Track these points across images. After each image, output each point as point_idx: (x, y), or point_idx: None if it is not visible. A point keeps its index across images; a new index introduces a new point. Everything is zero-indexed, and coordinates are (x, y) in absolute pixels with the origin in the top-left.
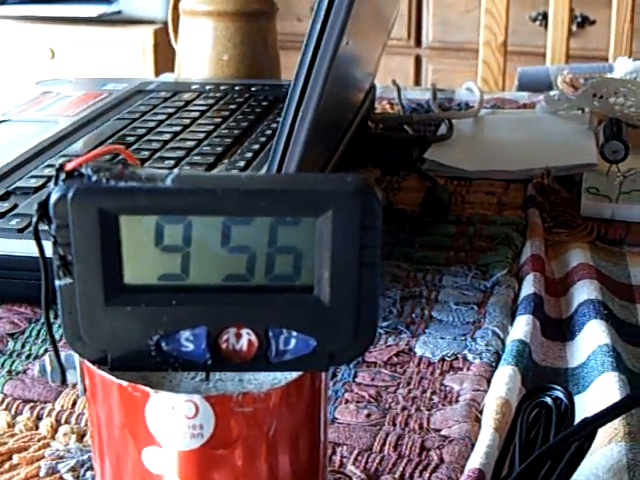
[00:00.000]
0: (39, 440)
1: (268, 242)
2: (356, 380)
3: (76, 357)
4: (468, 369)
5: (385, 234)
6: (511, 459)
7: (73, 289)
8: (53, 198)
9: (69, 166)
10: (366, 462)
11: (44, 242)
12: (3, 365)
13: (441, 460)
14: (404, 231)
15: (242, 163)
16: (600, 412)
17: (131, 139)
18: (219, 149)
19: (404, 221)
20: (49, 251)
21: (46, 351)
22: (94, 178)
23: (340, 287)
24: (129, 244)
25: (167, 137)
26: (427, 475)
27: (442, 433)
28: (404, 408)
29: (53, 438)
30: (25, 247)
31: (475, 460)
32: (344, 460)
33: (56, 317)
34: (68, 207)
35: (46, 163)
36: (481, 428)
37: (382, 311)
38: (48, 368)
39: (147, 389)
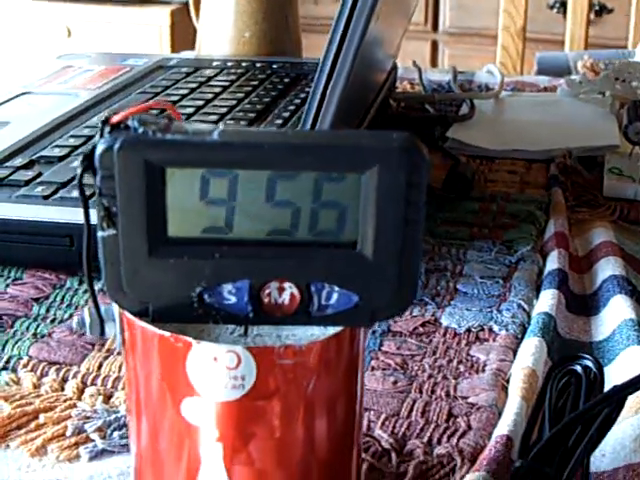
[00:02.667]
0: (65, 401)
1: (313, 197)
2: (382, 349)
3: (116, 309)
4: (494, 340)
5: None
6: (540, 426)
7: (116, 241)
8: (100, 149)
9: (115, 119)
10: (393, 427)
11: (73, 209)
12: (28, 328)
13: (469, 427)
14: (428, 207)
15: None
16: (631, 379)
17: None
18: (242, 123)
19: (428, 197)
20: (76, 216)
21: (71, 316)
22: (140, 130)
23: (383, 243)
24: (174, 197)
25: (190, 111)
26: (455, 441)
27: (469, 401)
28: (430, 376)
29: (79, 399)
30: (50, 213)
31: (503, 427)
32: (371, 424)
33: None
34: (114, 158)
35: (70, 133)
36: (508, 397)
37: None
38: (87, 320)
39: (190, 339)
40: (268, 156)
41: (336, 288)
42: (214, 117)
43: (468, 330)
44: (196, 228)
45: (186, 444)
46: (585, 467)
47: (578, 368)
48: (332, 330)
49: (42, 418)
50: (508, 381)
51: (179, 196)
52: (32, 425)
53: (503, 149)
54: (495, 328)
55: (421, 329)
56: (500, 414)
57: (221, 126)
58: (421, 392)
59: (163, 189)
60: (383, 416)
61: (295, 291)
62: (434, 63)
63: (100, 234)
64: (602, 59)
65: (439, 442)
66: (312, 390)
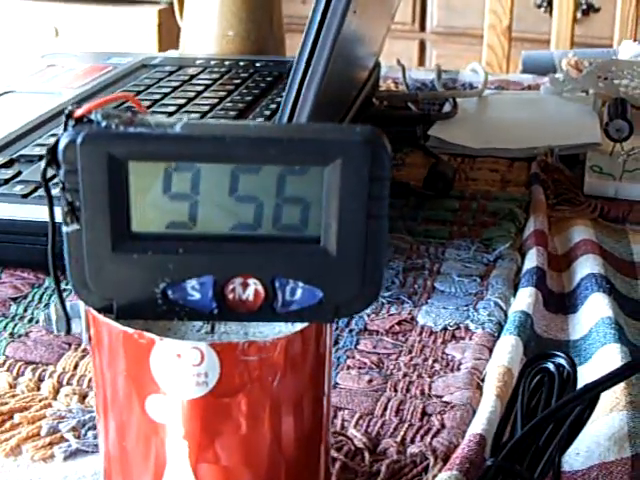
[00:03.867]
0: (40, 400)
1: (276, 192)
2: (358, 347)
3: (81, 306)
4: (470, 338)
5: (388, 207)
6: (513, 424)
7: (80, 236)
8: (62, 143)
9: (78, 112)
10: (367, 426)
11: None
12: (5, 328)
13: (442, 425)
14: (408, 205)
15: None
16: (603, 376)
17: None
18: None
19: (408, 195)
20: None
21: None
22: (104, 124)
23: (347, 238)
24: (137, 191)
25: (172, 109)
26: (428, 439)
27: (444, 399)
28: (405, 375)
29: (54, 399)
30: (29, 212)
31: (477, 426)
32: (345, 423)
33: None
34: (77, 152)
35: (50, 132)
36: (483, 395)
37: (385, 281)
38: (53, 317)
39: (153, 336)
40: (230, 149)
41: (300, 284)
42: (196, 116)
43: (444, 328)
44: (160, 223)
45: (152, 442)
46: (557, 466)
47: (551, 366)
48: (299, 326)
49: (17, 418)
50: (483, 380)
51: (142, 190)
52: (7, 425)
53: (485, 147)
54: (471, 326)
55: (397, 327)
56: (474, 412)
57: (185, 118)
58: (396, 391)
59: (126, 183)
60: (357, 415)
61: (259, 287)
62: (422, 63)
63: (64, 229)
64: (587, 57)
65: (412, 441)
66: (278, 387)
